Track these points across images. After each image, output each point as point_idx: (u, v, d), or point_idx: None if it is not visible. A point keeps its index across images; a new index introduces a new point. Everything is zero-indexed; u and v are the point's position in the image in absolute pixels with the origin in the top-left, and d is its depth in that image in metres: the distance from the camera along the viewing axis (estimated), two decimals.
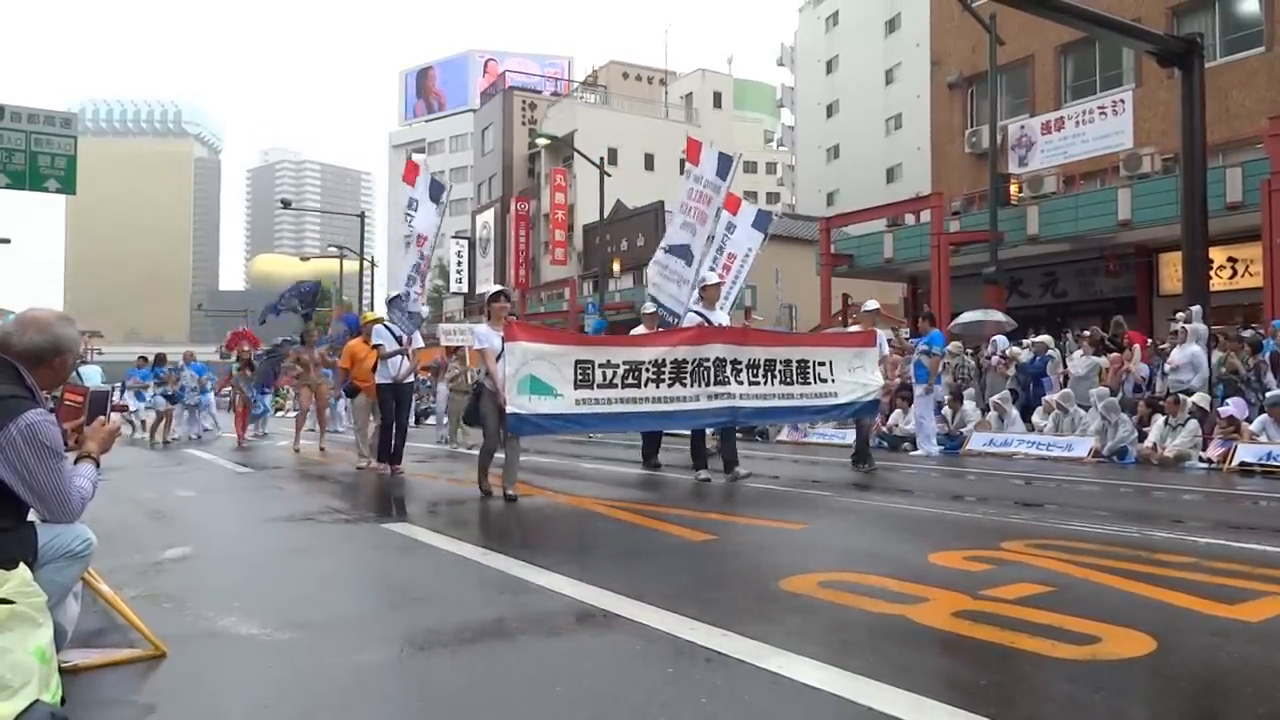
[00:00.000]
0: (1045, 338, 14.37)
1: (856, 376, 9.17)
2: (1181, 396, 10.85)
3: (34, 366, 2.82)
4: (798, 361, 8.82)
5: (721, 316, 9.28)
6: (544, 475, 9.44)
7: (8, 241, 24.55)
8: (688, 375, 8.04)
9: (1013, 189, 22.09)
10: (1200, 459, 10.19)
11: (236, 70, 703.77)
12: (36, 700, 2.24)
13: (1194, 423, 10.50)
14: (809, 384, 8.86)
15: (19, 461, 2.61)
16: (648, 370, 7.80)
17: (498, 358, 7.12)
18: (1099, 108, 20.24)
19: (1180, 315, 12.09)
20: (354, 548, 5.54)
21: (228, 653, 3.20)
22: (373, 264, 47.18)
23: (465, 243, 53.80)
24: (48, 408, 2.82)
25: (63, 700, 2.40)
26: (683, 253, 9.83)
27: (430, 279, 10.42)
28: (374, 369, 9.81)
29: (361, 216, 42.52)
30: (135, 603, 3.54)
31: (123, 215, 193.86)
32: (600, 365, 7.53)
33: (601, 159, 31.18)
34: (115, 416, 3.21)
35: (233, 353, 16.90)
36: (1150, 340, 13.57)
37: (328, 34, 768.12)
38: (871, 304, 10.70)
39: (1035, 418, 12.69)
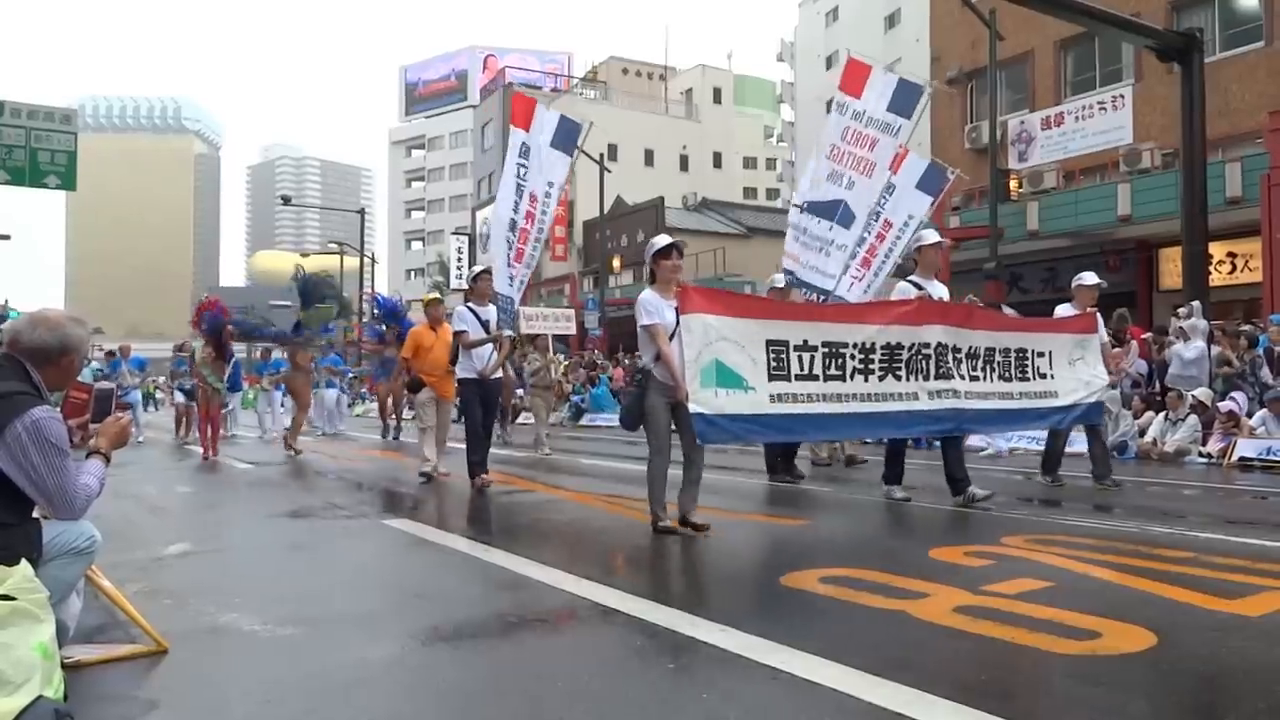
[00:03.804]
0: None
1: (1078, 372, 7.37)
2: (1182, 391, 10.86)
3: (41, 365, 2.84)
4: (1016, 351, 7.00)
5: (940, 289, 7.04)
6: (540, 470, 9.45)
7: (8, 238, 24.42)
8: (903, 365, 6.20)
9: (1013, 184, 22.06)
10: (1200, 454, 10.20)
11: (236, 67, 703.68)
12: (39, 696, 2.24)
13: (1194, 418, 10.51)
14: (1027, 380, 7.03)
15: (24, 458, 2.62)
16: (854, 357, 5.96)
17: (671, 335, 5.37)
18: (1099, 103, 20.21)
19: (1181, 310, 12.09)
20: (355, 544, 5.55)
21: (229, 648, 3.20)
22: (373, 260, 47.12)
23: (465, 239, 53.85)
24: (53, 405, 2.83)
25: (65, 696, 2.41)
26: (829, 210, 7.93)
27: (538, 254, 8.28)
28: (454, 361, 8.20)
29: (361, 213, 42.54)
30: (137, 599, 3.54)
31: (123, 212, 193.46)
32: (796, 348, 5.69)
33: (601, 155, 31.14)
34: (125, 414, 3.21)
35: (199, 335, 12.73)
36: (1149, 335, 13.56)
37: (327, 30, 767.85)
38: (1090, 277, 8.08)
39: None
